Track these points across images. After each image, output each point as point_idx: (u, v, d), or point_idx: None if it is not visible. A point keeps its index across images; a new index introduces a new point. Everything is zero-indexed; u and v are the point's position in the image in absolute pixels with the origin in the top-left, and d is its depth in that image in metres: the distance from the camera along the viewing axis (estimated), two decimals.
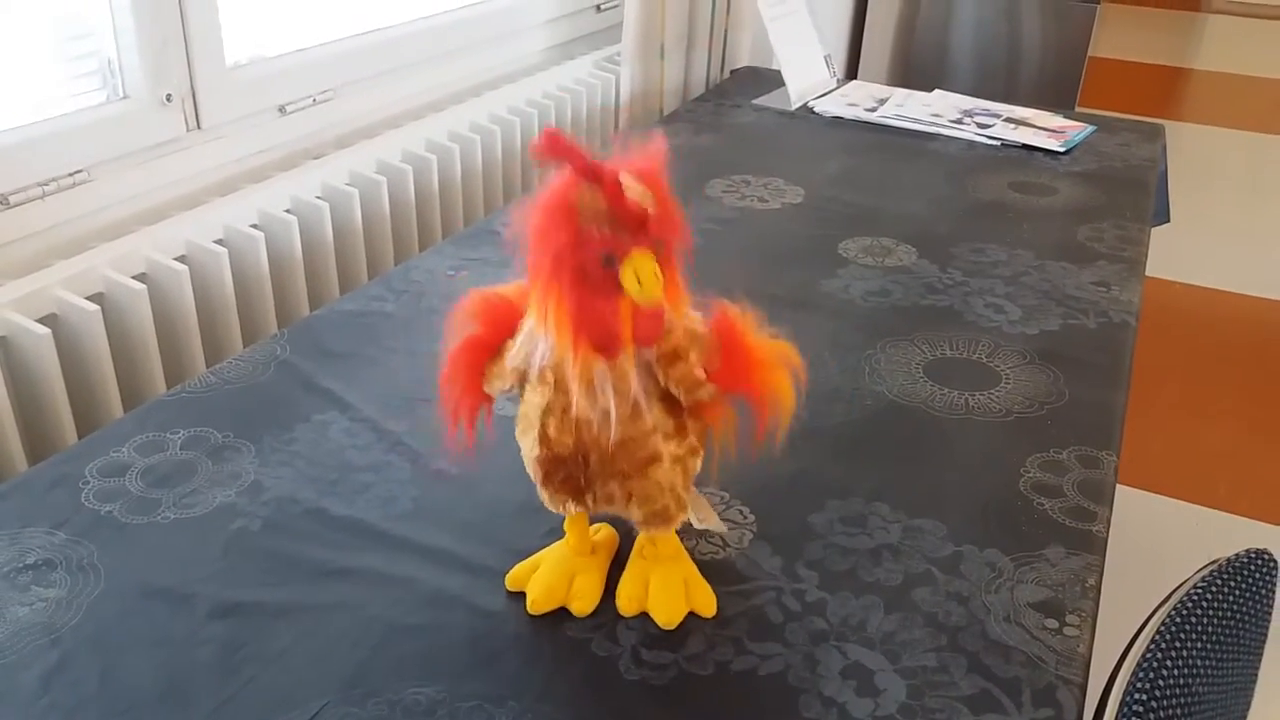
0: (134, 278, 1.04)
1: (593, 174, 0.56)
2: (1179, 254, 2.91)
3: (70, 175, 1.06)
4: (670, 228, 0.58)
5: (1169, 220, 1.73)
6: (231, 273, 1.13)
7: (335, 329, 1.01)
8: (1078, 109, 1.79)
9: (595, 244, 0.56)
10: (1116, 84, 4.70)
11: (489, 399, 0.65)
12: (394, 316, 1.04)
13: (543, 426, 0.63)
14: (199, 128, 1.19)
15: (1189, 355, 2.51)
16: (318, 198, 1.26)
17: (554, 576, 0.70)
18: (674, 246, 0.59)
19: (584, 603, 0.69)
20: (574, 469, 0.64)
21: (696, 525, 0.72)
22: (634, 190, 0.57)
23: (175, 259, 1.08)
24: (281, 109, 1.30)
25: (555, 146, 0.55)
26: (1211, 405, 2.32)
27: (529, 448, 0.65)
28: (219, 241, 1.14)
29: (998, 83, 2.73)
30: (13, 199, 1.01)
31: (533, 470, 0.66)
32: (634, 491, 0.65)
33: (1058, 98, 2.64)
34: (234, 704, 0.61)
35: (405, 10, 1.48)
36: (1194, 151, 3.87)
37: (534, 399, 0.63)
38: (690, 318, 0.63)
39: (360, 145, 1.36)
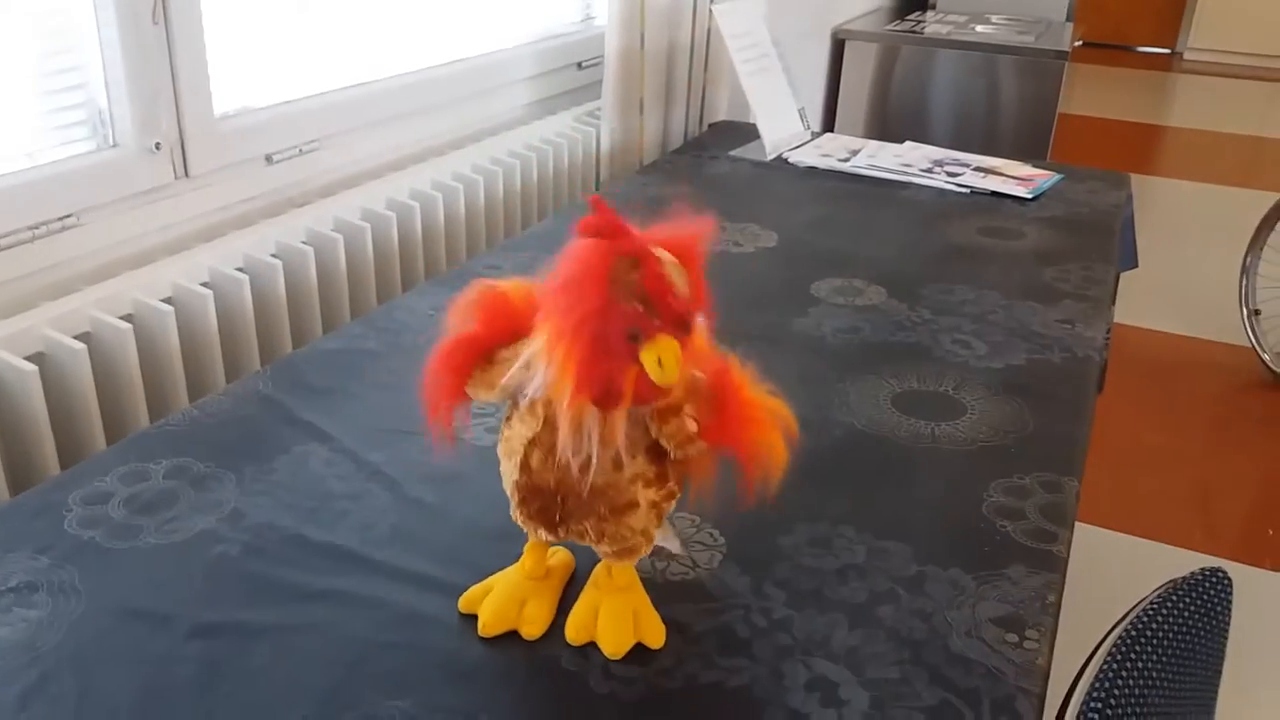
0: (120, 318, 1.06)
1: (635, 254, 0.57)
2: (1147, 300, 2.98)
3: (60, 220, 1.09)
4: (699, 308, 0.59)
5: (1137, 265, 1.78)
6: (216, 314, 1.15)
7: (318, 365, 1.03)
8: (1049, 162, 1.84)
9: (623, 319, 0.57)
10: (1091, 140, 4.81)
11: (466, 399, 0.65)
12: (375, 353, 1.06)
13: (526, 457, 0.64)
14: (187, 175, 1.23)
15: (1154, 396, 2.56)
16: (303, 243, 1.29)
17: (504, 600, 0.71)
18: (697, 323, 0.60)
19: (534, 627, 0.70)
20: (550, 503, 0.65)
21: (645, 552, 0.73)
22: (672, 273, 0.57)
23: (161, 300, 1.10)
24: (268, 158, 1.34)
25: (601, 219, 0.56)
26: (1174, 445, 2.36)
27: (510, 471, 0.66)
28: (204, 284, 1.16)
29: (970, 138, 2.80)
30: (3, 241, 1.03)
31: (511, 493, 0.67)
32: (607, 532, 0.66)
33: (1030, 152, 2.71)
34: (212, 719, 0.62)
35: (390, 65, 1.52)
36: (1165, 203, 3.96)
37: (521, 429, 0.64)
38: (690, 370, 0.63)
39: (344, 194, 1.39)
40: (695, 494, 0.67)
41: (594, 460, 0.61)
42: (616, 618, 0.70)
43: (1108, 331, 1.84)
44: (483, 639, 0.69)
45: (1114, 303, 1.82)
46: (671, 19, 1.83)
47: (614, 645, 0.69)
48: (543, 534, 0.68)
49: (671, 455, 0.64)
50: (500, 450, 0.68)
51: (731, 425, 0.64)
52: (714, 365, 0.65)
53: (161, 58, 1.16)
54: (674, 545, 0.76)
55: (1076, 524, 2.06)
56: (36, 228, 1.06)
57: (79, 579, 0.73)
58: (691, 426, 0.63)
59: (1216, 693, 0.82)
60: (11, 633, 0.68)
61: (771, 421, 0.64)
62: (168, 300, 1.12)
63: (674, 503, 0.68)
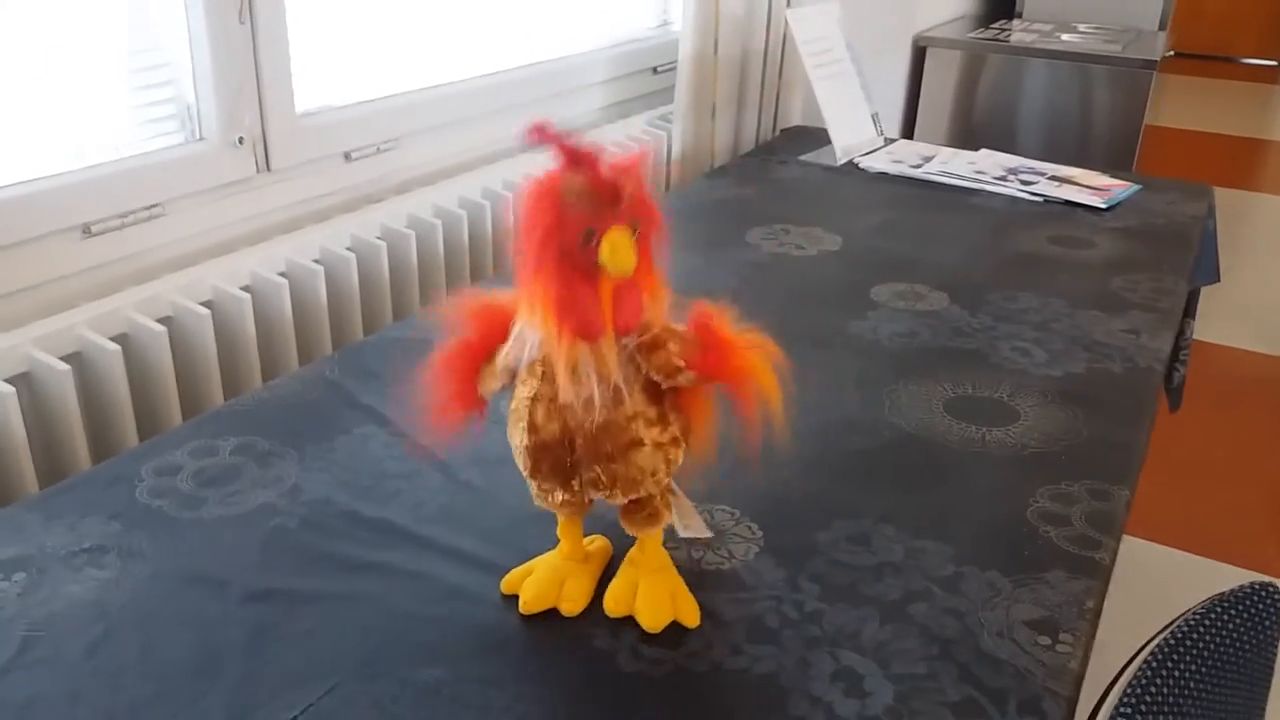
0: (200, 304, 1.12)
1: (575, 156, 0.60)
2: (1231, 316, 2.89)
3: (147, 209, 1.14)
4: (645, 210, 0.62)
5: (1219, 279, 1.73)
6: (291, 302, 1.20)
7: (382, 353, 1.07)
8: (1132, 173, 1.80)
9: (576, 221, 0.60)
10: (1185, 153, 4.67)
11: (482, 403, 0.69)
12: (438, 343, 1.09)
13: (531, 415, 0.67)
14: (268, 170, 1.28)
15: (1230, 413, 2.48)
16: (376, 238, 1.33)
17: (546, 580, 0.73)
18: (650, 233, 0.63)
19: (573, 604, 0.72)
20: (560, 454, 0.68)
21: (681, 533, 0.75)
22: (613, 172, 0.61)
23: (239, 288, 1.16)
24: (347, 155, 1.39)
25: (542, 132, 0.60)
26: (1247, 463, 2.29)
27: (518, 440, 0.69)
28: (281, 274, 1.21)
29: (1054, 147, 2.75)
30: (94, 228, 1.09)
31: (522, 462, 0.69)
32: (618, 475, 0.68)
33: (1116, 164, 2.65)
34: (257, 677, 0.65)
35: (468, 66, 1.57)
36: (1259, 219, 3.83)
37: (523, 391, 0.67)
38: (670, 319, 0.67)
39: (419, 191, 1.43)
40: (699, 442, 0.70)
41: (594, 394, 0.64)
42: (654, 594, 0.72)
43: (1186, 347, 1.80)
44: (519, 615, 0.72)
45: (1194, 317, 1.78)
46: (746, 25, 1.84)
47: (652, 619, 0.71)
48: (559, 495, 0.70)
49: (663, 385, 0.67)
50: (509, 429, 0.70)
51: (717, 358, 0.67)
52: (693, 311, 0.68)
53: (246, 56, 1.21)
54: (703, 531, 0.78)
55: (1140, 539, 2.01)
56: (125, 216, 1.12)
57: (146, 544, 0.77)
58: (678, 360, 0.66)
59: (1263, 710, 0.80)
60: (83, 590, 0.72)
61: (756, 351, 0.67)
62: (245, 288, 1.17)
63: (680, 453, 0.70)
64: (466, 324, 0.69)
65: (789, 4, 1.92)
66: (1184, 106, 5.56)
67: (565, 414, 0.66)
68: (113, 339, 1.04)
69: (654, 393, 0.68)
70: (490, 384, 0.69)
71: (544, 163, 0.62)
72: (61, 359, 0.99)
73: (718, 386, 0.68)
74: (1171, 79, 6.09)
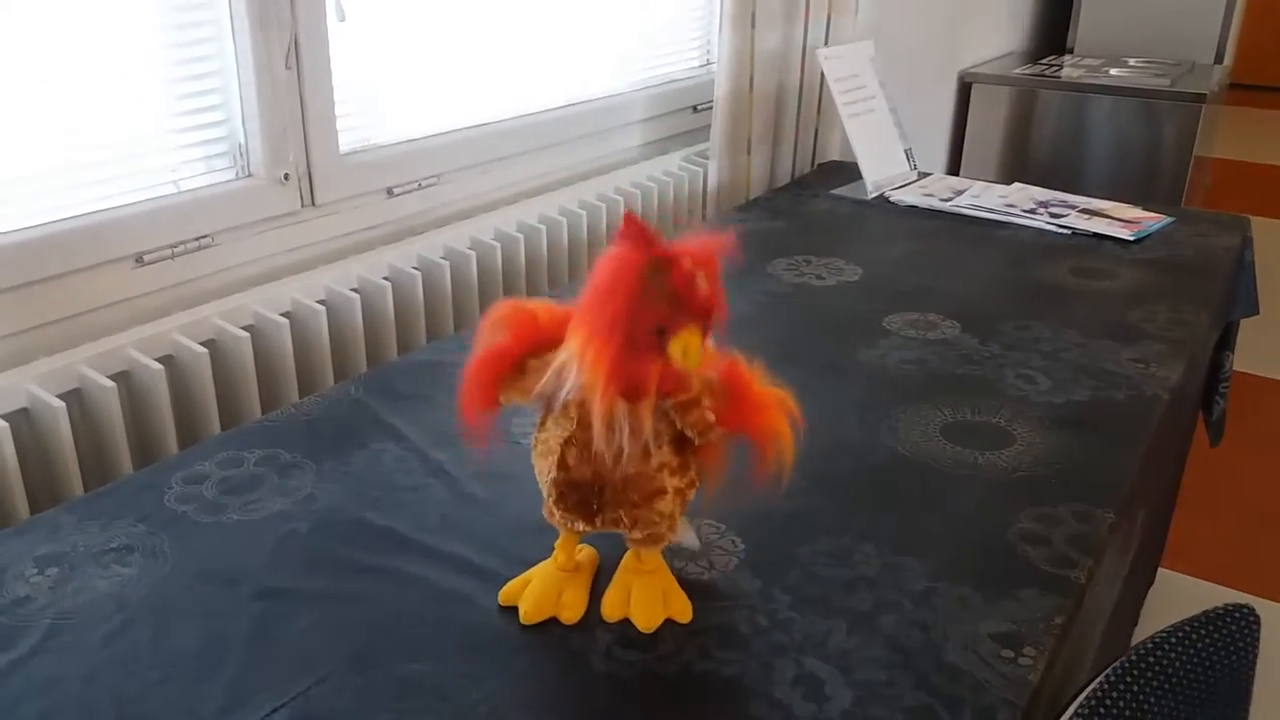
0: (241, 328, 1.19)
1: (666, 260, 0.64)
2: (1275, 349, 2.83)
3: (197, 240, 1.23)
4: (716, 308, 0.66)
5: (1258, 312, 1.72)
6: (329, 328, 1.27)
7: (408, 375, 1.13)
8: (1178, 208, 1.80)
9: (652, 314, 0.64)
10: (1239, 185, 4.57)
11: (498, 405, 0.73)
12: (462, 367, 1.15)
13: (563, 455, 0.71)
14: (313, 204, 1.36)
15: (1274, 447, 2.43)
16: (413, 268, 1.40)
17: (543, 591, 0.77)
18: (716, 324, 0.67)
19: (572, 612, 0.77)
20: (588, 495, 0.73)
21: (670, 541, 0.79)
22: (693, 274, 0.65)
23: (280, 314, 1.23)
24: (389, 191, 1.47)
25: (633, 230, 0.64)
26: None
27: (546, 470, 0.73)
28: (320, 301, 1.29)
29: (1099, 182, 2.74)
30: (147, 258, 1.18)
31: (548, 490, 0.74)
32: (639, 519, 0.73)
33: (1163, 198, 2.64)
34: (257, 667, 0.71)
35: (508, 106, 1.64)
36: None
37: (556, 431, 0.72)
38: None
39: (456, 224, 1.50)
40: (711, 484, 0.74)
41: (625, 450, 0.68)
42: (648, 596, 0.77)
43: (1226, 380, 1.78)
44: (505, 618, 0.76)
45: (1232, 349, 1.77)
46: (781, 62, 1.89)
47: (646, 619, 0.76)
48: (580, 525, 0.75)
49: (696, 442, 0.71)
50: (535, 453, 0.75)
51: (743, 413, 0.71)
52: (724, 363, 0.72)
53: (292, 98, 1.30)
54: (692, 541, 0.82)
55: (1185, 575, 1.98)
56: (175, 246, 1.20)
57: (169, 545, 0.84)
58: (710, 416, 0.70)
59: None
60: (107, 585, 0.79)
61: (778, 408, 0.71)
62: (285, 314, 1.24)
63: (695, 491, 0.75)
64: (503, 329, 0.72)
65: (826, 42, 1.97)
66: (1243, 139, 5.45)
67: (597, 461, 0.70)
68: (158, 359, 1.12)
69: (680, 443, 0.72)
70: (513, 397, 0.72)
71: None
72: (109, 377, 1.07)
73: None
74: (1233, 111, 5.97)
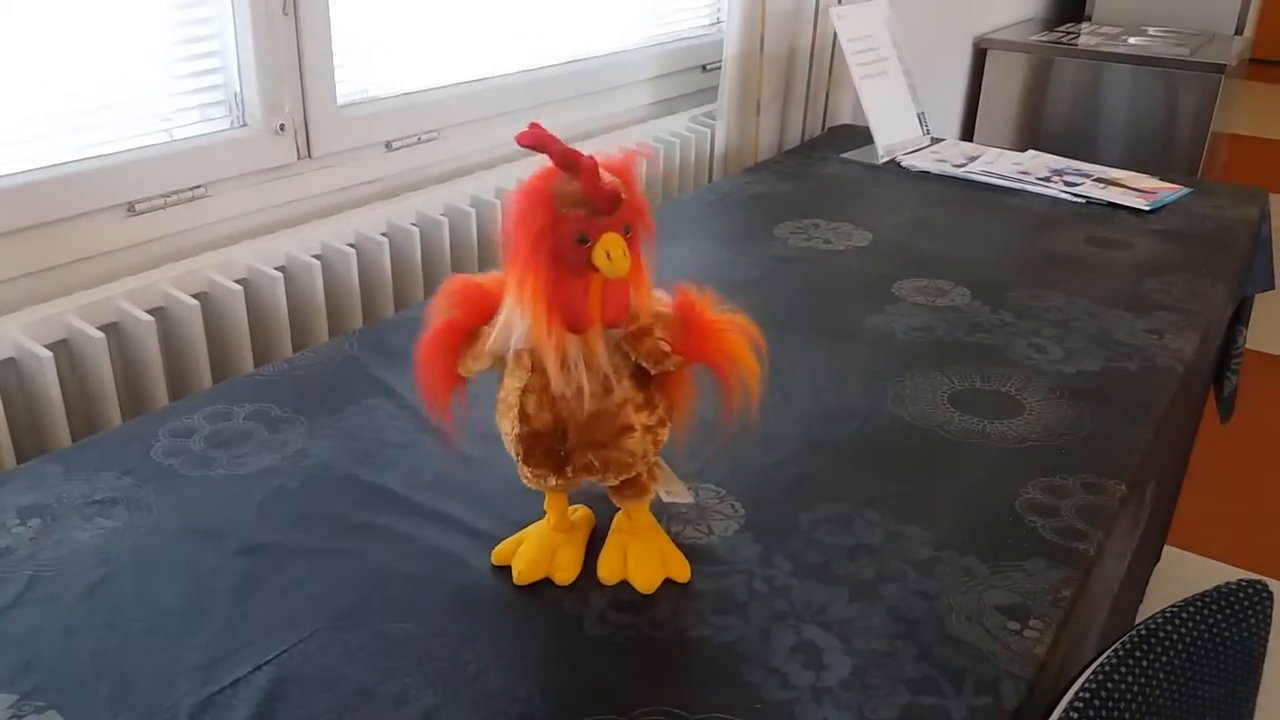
0: (234, 281, 1.17)
1: (571, 162, 0.63)
2: None
3: (190, 190, 1.20)
4: (638, 213, 0.65)
5: (1274, 286, 1.69)
6: (324, 283, 1.24)
7: (401, 332, 1.11)
8: (1195, 179, 1.76)
9: (570, 225, 0.63)
10: (1260, 160, 4.52)
11: (462, 380, 0.71)
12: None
13: (522, 406, 0.69)
14: (309, 156, 1.33)
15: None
16: (411, 224, 1.37)
17: (537, 551, 0.75)
18: (640, 233, 0.65)
19: (566, 573, 0.75)
20: (553, 443, 0.70)
21: (665, 498, 0.77)
22: (608, 178, 0.64)
23: (274, 268, 1.21)
24: (388, 145, 1.43)
25: (538, 137, 0.63)
26: None
27: (509, 427, 0.71)
28: (315, 256, 1.26)
29: (1116, 151, 2.69)
30: (139, 207, 1.15)
31: (514, 449, 0.72)
32: (610, 460, 0.70)
33: (1180, 169, 2.59)
34: (241, 623, 0.69)
35: (512, 60, 1.60)
36: None
37: (512, 382, 0.69)
38: (655, 300, 0.69)
39: (455, 181, 1.47)
40: (680, 420, 0.72)
41: (584, 386, 0.66)
42: (645, 557, 0.75)
43: (1238, 355, 1.75)
44: (496, 578, 0.74)
45: (1246, 325, 1.74)
46: (793, 22, 1.85)
47: (645, 581, 0.74)
48: (552, 480, 0.72)
49: (652, 372, 0.69)
50: (498, 416, 0.72)
51: (700, 340, 0.69)
52: (676, 296, 0.70)
53: (290, 47, 1.26)
54: (684, 496, 0.79)
55: (1193, 554, 1.96)
56: (168, 196, 1.17)
57: (154, 498, 0.82)
58: (665, 346, 0.68)
59: (1250, 707, 0.78)
60: (91, 537, 0.77)
61: (737, 332, 0.69)
62: (280, 268, 1.22)
63: (666, 431, 0.72)
64: (451, 304, 0.71)
65: (839, 1, 1.92)
66: (1261, 115, 5.38)
67: (557, 404, 0.68)
68: (149, 311, 1.09)
69: (641, 377, 0.69)
70: (472, 366, 0.70)
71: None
72: (99, 328, 1.05)
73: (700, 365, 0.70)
74: (1251, 86, 5.88)
